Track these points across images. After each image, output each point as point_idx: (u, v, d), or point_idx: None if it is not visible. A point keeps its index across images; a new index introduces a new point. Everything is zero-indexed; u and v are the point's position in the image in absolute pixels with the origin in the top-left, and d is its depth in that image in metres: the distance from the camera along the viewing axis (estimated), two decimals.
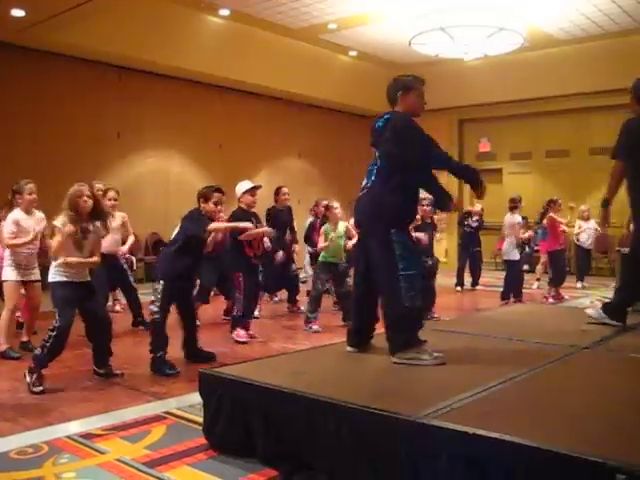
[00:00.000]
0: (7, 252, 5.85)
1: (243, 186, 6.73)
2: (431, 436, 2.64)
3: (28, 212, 5.92)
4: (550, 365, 3.73)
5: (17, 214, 5.86)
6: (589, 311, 5.06)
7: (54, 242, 4.80)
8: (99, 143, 12.05)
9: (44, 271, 5.39)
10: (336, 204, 7.60)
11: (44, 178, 11.01)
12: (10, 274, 5.82)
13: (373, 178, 3.92)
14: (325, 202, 8.28)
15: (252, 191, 6.63)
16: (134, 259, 8.46)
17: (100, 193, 7.67)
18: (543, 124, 15.53)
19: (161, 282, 5.36)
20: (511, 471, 2.41)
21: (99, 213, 4.97)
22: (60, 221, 4.75)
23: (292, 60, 13.91)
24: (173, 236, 5.77)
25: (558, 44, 13.93)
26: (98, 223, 4.95)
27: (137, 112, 12.62)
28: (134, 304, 7.23)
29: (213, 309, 8.23)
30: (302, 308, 8.05)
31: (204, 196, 5.61)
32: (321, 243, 7.39)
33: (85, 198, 4.82)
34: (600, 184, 14.71)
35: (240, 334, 6.50)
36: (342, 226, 7.53)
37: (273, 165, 15.45)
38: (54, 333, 4.70)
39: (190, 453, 3.45)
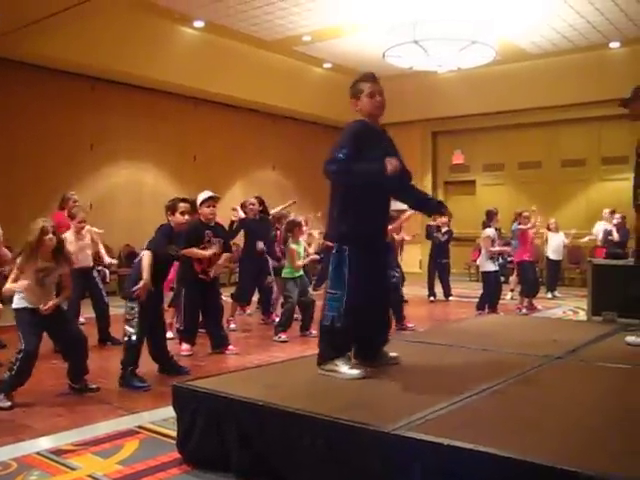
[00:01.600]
0: None
1: (201, 197, 6.48)
2: (405, 448, 2.63)
3: None
4: (524, 375, 3.75)
5: None
6: (629, 339, 4.77)
7: (11, 279, 4.71)
8: (72, 154, 11.96)
9: None
10: (301, 219, 7.74)
11: (16, 190, 10.92)
12: None
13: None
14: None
15: (209, 202, 6.39)
16: (107, 272, 8.39)
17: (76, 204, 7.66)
18: (515, 136, 15.73)
19: (133, 304, 5.28)
20: None
21: (62, 249, 4.90)
22: (20, 261, 4.68)
23: (267, 72, 13.94)
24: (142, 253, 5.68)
25: (530, 58, 14.14)
26: (60, 258, 4.88)
27: (111, 123, 12.54)
28: (103, 320, 7.11)
29: None
30: (276, 320, 8.03)
31: (171, 209, 5.55)
32: (297, 261, 7.44)
33: (50, 236, 4.74)
34: (571, 195, 15.00)
35: (183, 348, 6.45)
36: (303, 243, 7.74)
37: (248, 177, 15.44)
38: (20, 355, 4.62)
39: (163, 468, 3.40)
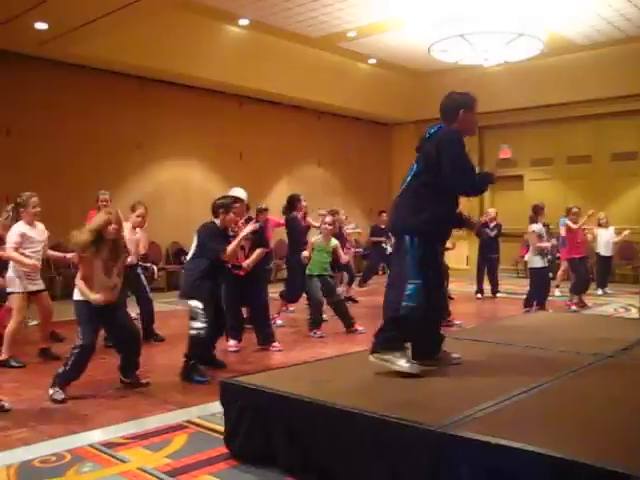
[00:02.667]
0: (11, 263, 5.90)
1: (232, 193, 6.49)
2: (453, 446, 2.61)
3: (31, 225, 5.98)
4: (573, 374, 3.68)
5: (21, 226, 5.92)
6: None
7: (83, 266, 4.83)
8: (120, 154, 12.17)
9: (49, 282, 5.45)
10: (329, 219, 7.76)
11: (66, 189, 11.17)
12: (17, 286, 5.87)
13: (407, 181, 3.90)
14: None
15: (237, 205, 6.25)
16: (155, 268, 8.50)
17: (104, 203, 7.79)
18: (564, 130, 15.43)
19: (197, 302, 5.38)
20: None
21: (121, 240, 5.02)
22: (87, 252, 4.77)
23: (311, 69, 13.95)
24: (192, 251, 5.74)
25: (578, 49, 13.84)
26: (120, 249, 5.00)
27: (157, 122, 12.72)
28: (148, 316, 7.22)
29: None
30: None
31: (223, 207, 5.61)
32: (305, 252, 7.57)
33: (114, 226, 4.84)
34: (622, 190, 14.64)
35: (230, 344, 6.48)
36: (333, 242, 7.73)
37: (293, 174, 15.49)
38: (77, 351, 4.75)
39: (211, 462, 3.45)
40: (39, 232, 6.09)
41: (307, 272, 7.56)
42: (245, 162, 14.31)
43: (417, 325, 3.72)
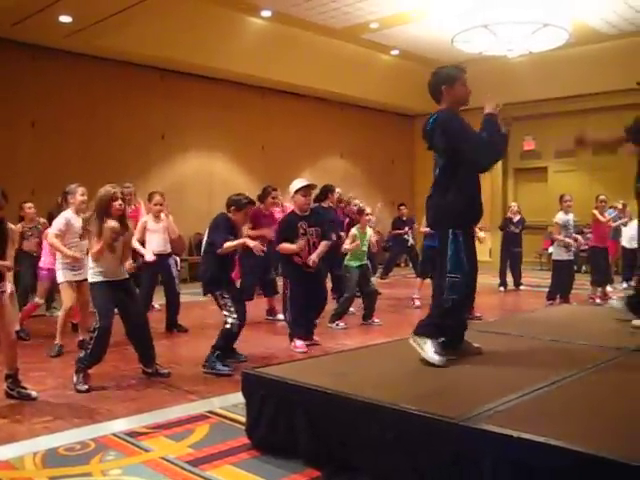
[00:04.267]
0: (58, 254, 5.98)
1: (295, 185, 6.19)
2: (475, 439, 2.60)
3: (77, 213, 6.04)
4: (597, 368, 3.65)
5: (69, 214, 5.99)
6: (636, 322, 4.82)
7: (93, 245, 4.87)
8: (144, 145, 12.26)
9: None
10: (368, 209, 7.74)
11: (91, 179, 11.19)
12: (63, 276, 5.97)
13: (435, 179, 3.94)
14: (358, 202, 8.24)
15: (303, 191, 6.12)
16: (178, 259, 8.56)
17: (128, 197, 7.84)
18: (589, 121, 15.21)
19: (223, 293, 5.41)
20: (557, 476, 2.36)
21: (125, 217, 5.07)
22: (95, 224, 4.83)
23: (334, 60, 13.91)
24: (203, 245, 5.80)
25: (604, 39, 13.65)
26: (125, 225, 5.04)
27: (181, 114, 12.78)
28: (173, 308, 7.27)
29: (256, 309, 8.28)
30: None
31: (236, 204, 5.60)
32: (346, 245, 7.49)
33: (120, 202, 4.91)
34: None
35: (297, 345, 6.15)
36: (369, 231, 7.73)
37: (316, 165, 15.48)
38: (95, 334, 4.78)
39: (233, 452, 3.47)
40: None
41: (345, 263, 7.54)
42: (267, 154, 14.33)
43: (457, 316, 3.77)
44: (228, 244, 5.40)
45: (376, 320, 7.68)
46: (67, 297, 5.98)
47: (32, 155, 10.81)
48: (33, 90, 10.90)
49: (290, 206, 8.70)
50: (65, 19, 9.76)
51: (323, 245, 6.17)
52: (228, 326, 5.33)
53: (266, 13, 12.29)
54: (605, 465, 2.26)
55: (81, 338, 6.22)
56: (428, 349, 3.69)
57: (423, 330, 3.78)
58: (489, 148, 3.74)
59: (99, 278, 4.90)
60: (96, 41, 10.70)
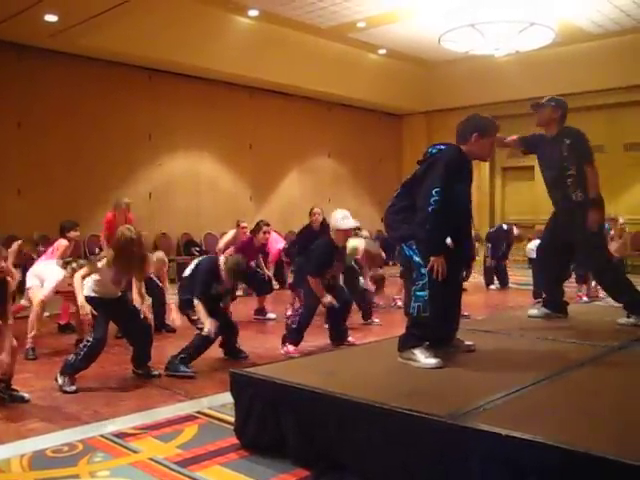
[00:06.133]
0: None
1: (339, 221, 6.00)
2: (463, 437, 2.61)
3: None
4: (584, 365, 3.67)
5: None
6: (621, 320, 4.92)
7: (84, 273, 4.94)
8: (131, 144, 12.20)
9: None
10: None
11: (78, 180, 11.22)
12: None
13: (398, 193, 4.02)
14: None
15: (347, 232, 6.10)
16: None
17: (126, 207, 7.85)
18: (576, 120, 15.05)
19: (196, 302, 5.42)
20: (545, 473, 2.37)
21: (144, 260, 5.14)
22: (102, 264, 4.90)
23: (321, 59, 13.92)
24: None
25: (590, 38, 13.73)
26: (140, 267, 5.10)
27: (168, 114, 12.74)
28: (159, 307, 7.23)
29: (245, 307, 8.27)
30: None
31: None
32: None
33: (138, 248, 4.93)
34: (635, 180, 14.53)
35: (289, 350, 5.96)
36: (355, 242, 7.54)
37: (303, 165, 15.49)
38: (89, 344, 4.81)
39: (222, 453, 3.46)
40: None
41: None
42: (255, 153, 14.32)
43: (428, 322, 3.72)
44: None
45: (376, 320, 7.68)
46: (39, 292, 5.99)
47: (18, 156, 10.74)
48: (19, 90, 10.83)
49: (276, 236, 8.84)
50: (51, 18, 9.70)
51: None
52: (204, 333, 5.32)
53: (253, 12, 12.27)
54: (594, 462, 2.28)
55: (79, 338, 6.23)
56: (419, 357, 3.69)
57: (405, 343, 3.79)
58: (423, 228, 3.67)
59: (94, 294, 4.94)
60: (82, 41, 10.64)
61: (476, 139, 3.80)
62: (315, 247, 6.14)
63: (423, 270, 3.68)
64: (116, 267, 4.88)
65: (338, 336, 6.31)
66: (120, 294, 5.09)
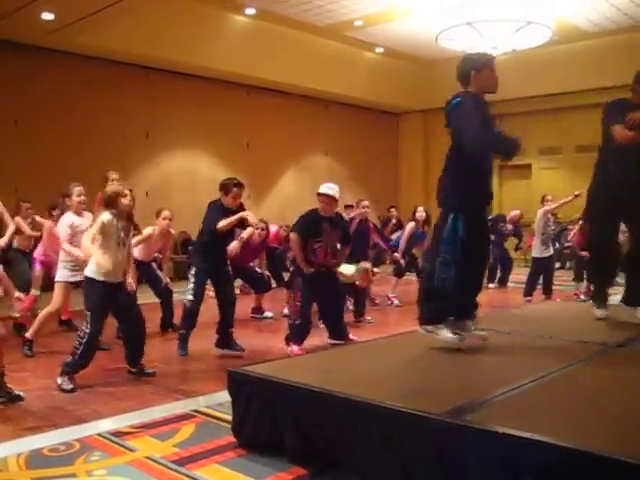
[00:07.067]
0: (62, 253, 5.89)
1: (321, 188, 6.01)
2: (461, 436, 2.61)
3: (79, 214, 5.96)
4: (582, 363, 3.67)
5: (69, 217, 5.87)
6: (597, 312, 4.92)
7: (90, 236, 4.77)
8: (128, 142, 12.18)
9: None
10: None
11: (75, 178, 11.13)
12: (61, 275, 5.81)
13: (445, 160, 3.99)
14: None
15: (324, 197, 5.95)
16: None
17: (114, 182, 7.69)
18: (573, 119, 15.32)
19: (193, 270, 5.74)
20: (543, 472, 2.37)
21: (133, 216, 5.01)
22: (106, 217, 4.73)
23: (318, 58, 13.91)
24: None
25: (587, 37, 13.74)
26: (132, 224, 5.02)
27: (165, 112, 12.73)
28: (167, 307, 7.17)
29: (242, 306, 8.26)
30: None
31: (224, 189, 5.81)
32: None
33: (129, 199, 4.85)
34: None
35: (294, 350, 5.88)
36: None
37: (300, 163, 15.49)
38: (84, 339, 4.70)
39: (219, 451, 3.45)
40: (88, 221, 6.07)
41: None
42: (252, 151, 14.31)
43: (452, 295, 3.79)
44: (222, 223, 5.63)
45: (368, 317, 7.69)
46: (58, 297, 5.78)
47: (15, 153, 10.71)
48: (15, 88, 10.79)
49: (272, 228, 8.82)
50: (47, 16, 9.67)
51: (345, 250, 6.25)
52: (186, 302, 5.72)
53: (250, 11, 12.26)
54: (592, 460, 2.27)
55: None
56: (441, 331, 3.78)
57: (428, 318, 3.86)
58: (478, 137, 3.72)
59: (97, 276, 4.74)
60: (79, 39, 10.62)
61: (475, 76, 3.92)
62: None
63: (454, 240, 3.74)
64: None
65: (338, 334, 6.15)
66: (121, 280, 4.92)
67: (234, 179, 5.93)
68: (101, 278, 4.74)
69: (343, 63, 14.51)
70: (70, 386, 4.71)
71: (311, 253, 5.91)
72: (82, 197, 5.99)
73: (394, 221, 11.36)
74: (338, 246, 6.15)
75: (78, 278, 5.78)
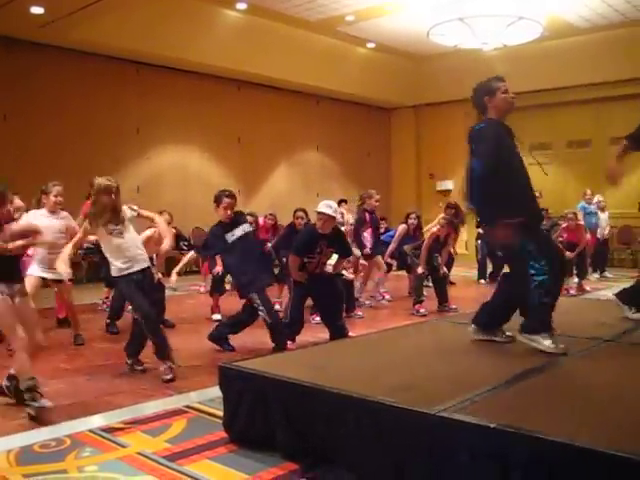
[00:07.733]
0: (31, 250, 5.85)
1: (320, 206, 5.97)
2: (452, 430, 2.62)
3: (53, 212, 5.96)
4: (572, 358, 3.69)
5: (32, 214, 5.84)
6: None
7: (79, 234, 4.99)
8: (118, 138, 12.14)
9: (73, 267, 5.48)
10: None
11: (64, 173, 11.11)
12: (33, 270, 5.85)
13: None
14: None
15: (323, 216, 5.92)
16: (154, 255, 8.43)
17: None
18: (563, 114, 15.37)
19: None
20: (533, 466, 2.38)
21: (119, 211, 5.03)
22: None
23: (310, 53, 13.89)
24: None
25: (578, 33, 13.78)
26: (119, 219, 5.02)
27: (156, 107, 12.68)
28: (158, 303, 7.11)
29: (234, 302, 8.23)
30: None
31: (216, 201, 5.86)
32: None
33: (114, 196, 4.91)
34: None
35: (287, 346, 5.86)
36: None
37: (292, 158, 15.47)
38: (143, 322, 4.87)
39: (211, 447, 3.46)
40: (62, 220, 6.09)
41: None
42: (243, 147, 14.28)
43: (550, 307, 3.84)
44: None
45: (359, 313, 7.69)
46: (30, 290, 5.83)
47: (4, 149, 10.64)
48: (5, 83, 10.73)
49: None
50: (37, 10, 9.62)
51: (340, 261, 6.44)
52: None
53: (241, 5, 12.22)
54: (584, 455, 2.29)
55: (76, 333, 6.25)
56: (544, 341, 3.78)
57: (530, 328, 3.86)
58: (493, 167, 3.91)
59: (121, 272, 4.91)
60: (70, 33, 10.56)
61: (489, 101, 3.99)
62: (300, 231, 6.41)
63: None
64: (91, 210, 4.92)
65: (338, 333, 6.06)
66: (146, 266, 5.03)
67: (226, 190, 5.95)
68: (123, 273, 4.90)
69: (335, 58, 14.50)
70: (141, 367, 5.10)
71: (301, 265, 5.99)
72: (59, 197, 6.06)
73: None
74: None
75: (54, 276, 5.79)
